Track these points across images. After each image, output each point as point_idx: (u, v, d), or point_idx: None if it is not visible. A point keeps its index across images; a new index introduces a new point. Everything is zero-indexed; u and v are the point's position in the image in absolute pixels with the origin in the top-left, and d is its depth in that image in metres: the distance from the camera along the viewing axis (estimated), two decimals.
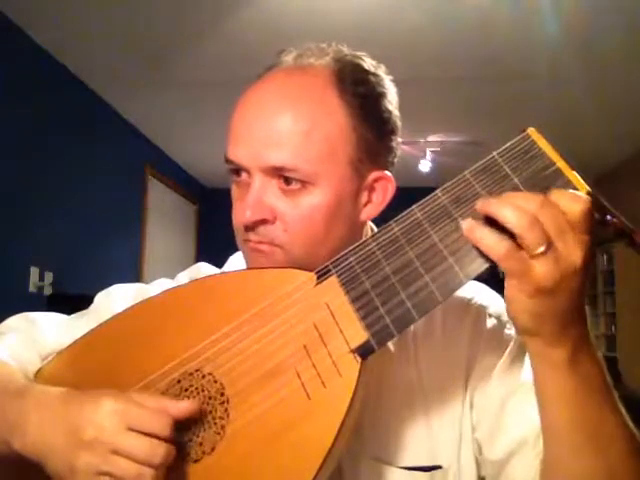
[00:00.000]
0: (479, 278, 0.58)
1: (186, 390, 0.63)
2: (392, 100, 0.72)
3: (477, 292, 0.78)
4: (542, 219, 0.52)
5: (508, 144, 0.60)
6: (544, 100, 3.82)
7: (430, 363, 0.74)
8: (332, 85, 0.68)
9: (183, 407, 0.60)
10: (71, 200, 3.62)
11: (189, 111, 4.28)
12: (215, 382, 0.63)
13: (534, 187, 0.57)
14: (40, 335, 0.76)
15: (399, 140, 0.74)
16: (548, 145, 0.58)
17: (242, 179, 0.70)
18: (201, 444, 0.61)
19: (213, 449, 0.61)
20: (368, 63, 0.72)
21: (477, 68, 3.55)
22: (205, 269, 0.84)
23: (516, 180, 0.58)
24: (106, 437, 0.56)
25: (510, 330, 0.74)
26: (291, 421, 0.59)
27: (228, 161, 0.70)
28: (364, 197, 0.71)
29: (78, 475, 0.57)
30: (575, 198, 0.54)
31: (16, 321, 0.79)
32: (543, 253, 0.52)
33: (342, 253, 0.62)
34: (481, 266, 0.57)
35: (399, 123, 0.73)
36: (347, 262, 0.62)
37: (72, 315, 0.80)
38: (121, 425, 0.57)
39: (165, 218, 5.33)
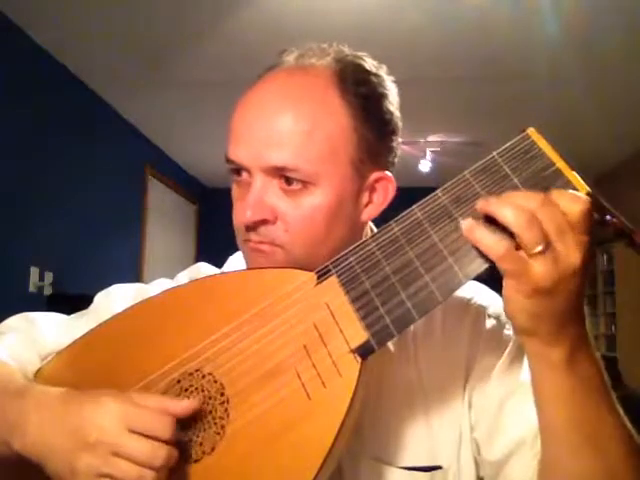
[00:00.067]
0: (479, 278, 0.58)
1: (186, 390, 0.63)
2: (393, 101, 0.72)
3: (477, 292, 0.78)
4: (541, 218, 0.52)
5: (508, 144, 0.60)
6: (544, 100, 3.82)
7: (430, 363, 0.74)
8: (333, 85, 0.68)
9: (185, 406, 0.60)
10: (71, 200, 3.62)
11: (189, 111, 4.28)
12: (215, 382, 0.63)
13: (534, 187, 0.57)
14: (40, 335, 0.76)
15: (399, 140, 0.74)
16: (548, 145, 0.58)
17: (243, 179, 0.70)
18: (201, 444, 0.61)
19: (213, 449, 0.61)
20: (369, 64, 0.72)
21: (477, 68, 3.55)
22: (205, 269, 0.84)
23: (516, 180, 0.58)
24: (107, 439, 0.56)
25: (509, 330, 0.74)
26: (291, 421, 0.59)
27: (229, 161, 0.70)
28: (365, 197, 0.71)
29: (79, 476, 0.56)
30: (575, 198, 0.54)
31: (16, 321, 0.79)
32: (541, 252, 0.52)
33: (342, 253, 0.62)
34: (480, 266, 0.57)
35: (400, 124, 0.73)
36: (347, 262, 0.62)
37: (72, 315, 0.80)
38: (122, 426, 0.56)
39: (165, 218, 5.33)
